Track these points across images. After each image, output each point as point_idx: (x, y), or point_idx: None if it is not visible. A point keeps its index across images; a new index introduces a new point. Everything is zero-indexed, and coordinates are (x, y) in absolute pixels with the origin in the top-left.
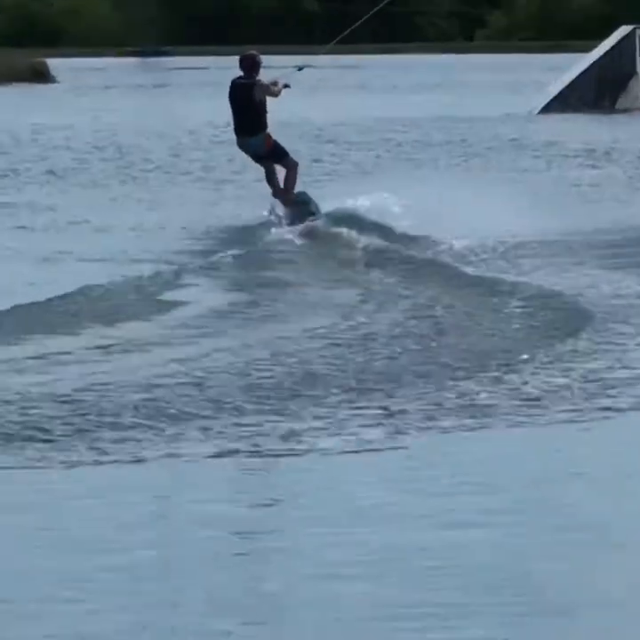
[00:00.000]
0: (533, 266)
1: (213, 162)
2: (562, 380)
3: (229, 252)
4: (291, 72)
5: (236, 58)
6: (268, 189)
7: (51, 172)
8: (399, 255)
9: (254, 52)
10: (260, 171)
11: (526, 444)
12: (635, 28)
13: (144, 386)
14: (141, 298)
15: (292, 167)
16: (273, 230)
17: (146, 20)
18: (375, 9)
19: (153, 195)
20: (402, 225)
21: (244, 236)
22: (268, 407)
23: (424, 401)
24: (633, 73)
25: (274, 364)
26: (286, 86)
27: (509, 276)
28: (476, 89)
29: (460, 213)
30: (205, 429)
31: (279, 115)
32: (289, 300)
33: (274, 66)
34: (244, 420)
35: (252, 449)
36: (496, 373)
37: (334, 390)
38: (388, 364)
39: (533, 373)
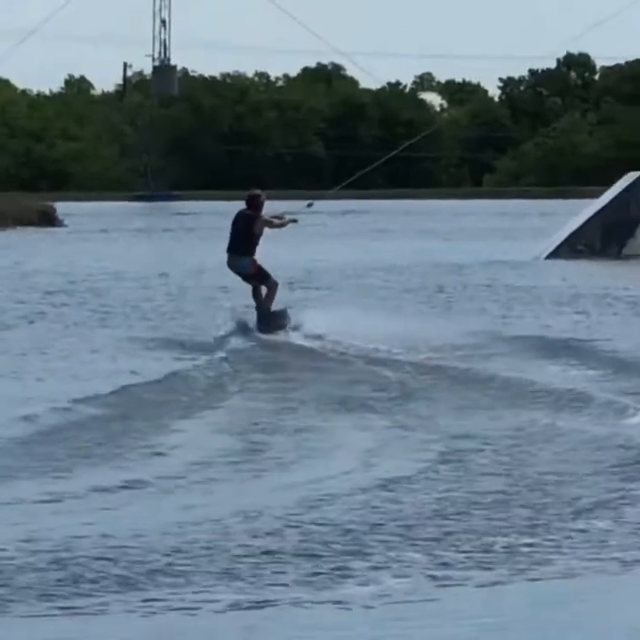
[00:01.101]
0: None
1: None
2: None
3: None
4: (302, 208)
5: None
6: None
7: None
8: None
9: (259, 191)
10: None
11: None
12: None
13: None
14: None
15: (272, 286)
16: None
17: (154, 166)
18: (388, 156)
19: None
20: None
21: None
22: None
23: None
24: None
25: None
26: (293, 221)
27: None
28: (485, 234)
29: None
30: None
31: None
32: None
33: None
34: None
35: None
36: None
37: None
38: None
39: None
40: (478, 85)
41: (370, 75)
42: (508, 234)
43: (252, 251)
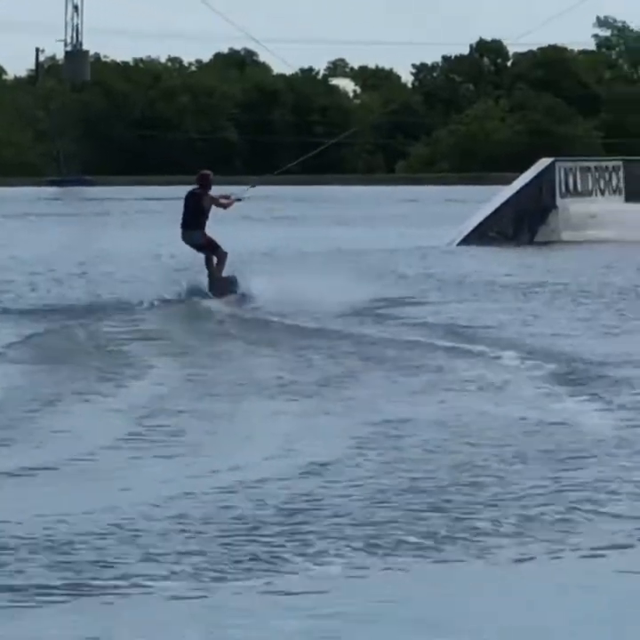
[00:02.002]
0: None
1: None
2: None
3: None
4: (245, 189)
5: (153, 187)
6: None
7: None
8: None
9: (208, 171)
10: None
11: None
12: (554, 161)
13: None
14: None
15: (222, 256)
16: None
17: (67, 151)
18: (328, 143)
19: None
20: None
21: None
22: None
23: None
24: (552, 206)
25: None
26: (239, 200)
27: None
28: (394, 221)
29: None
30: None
31: None
32: None
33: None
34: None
35: None
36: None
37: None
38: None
39: None
40: (391, 71)
41: (282, 61)
42: (421, 220)
43: (202, 224)
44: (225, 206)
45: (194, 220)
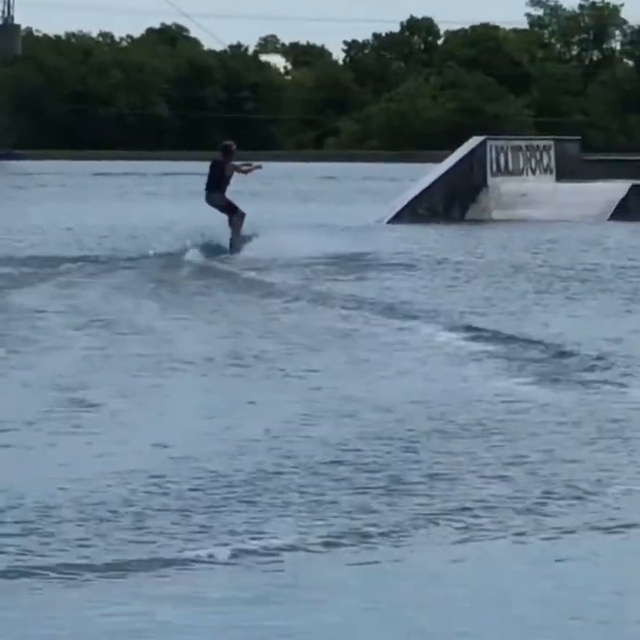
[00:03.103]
0: None
1: None
2: None
3: None
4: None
5: (84, 162)
6: None
7: None
8: None
9: (230, 142)
10: None
11: None
12: (486, 139)
13: None
14: None
15: (240, 216)
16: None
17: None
18: None
19: None
20: None
21: None
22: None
23: None
24: (483, 184)
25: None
26: (259, 167)
27: None
28: (327, 197)
29: None
30: None
31: None
32: None
33: (114, 173)
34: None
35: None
36: None
37: None
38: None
39: None
40: (323, 48)
41: (213, 36)
42: (351, 197)
43: (223, 188)
44: (245, 172)
45: (216, 185)
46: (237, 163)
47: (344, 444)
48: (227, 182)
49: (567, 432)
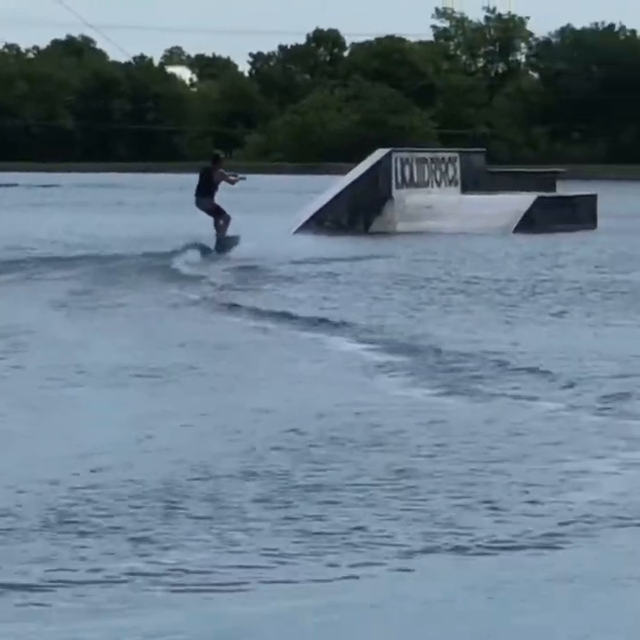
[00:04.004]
0: None
1: None
2: None
3: None
4: (242, 176)
5: None
6: None
7: None
8: None
9: (219, 151)
10: None
11: None
12: (391, 151)
13: None
14: None
15: (227, 219)
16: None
17: None
18: None
19: None
20: None
21: None
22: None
23: None
24: (388, 196)
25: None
26: (243, 178)
27: None
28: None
29: None
30: None
31: None
32: None
33: (20, 183)
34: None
35: None
36: None
37: None
38: None
39: None
40: (228, 60)
41: (119, 48)
42: (257, 208)
43: (212, 193)
44: (232, 182)
45: (205, 190)
46: (225, 172)
47: (246, 454)
48: (215, 188)
49: (471, 442)
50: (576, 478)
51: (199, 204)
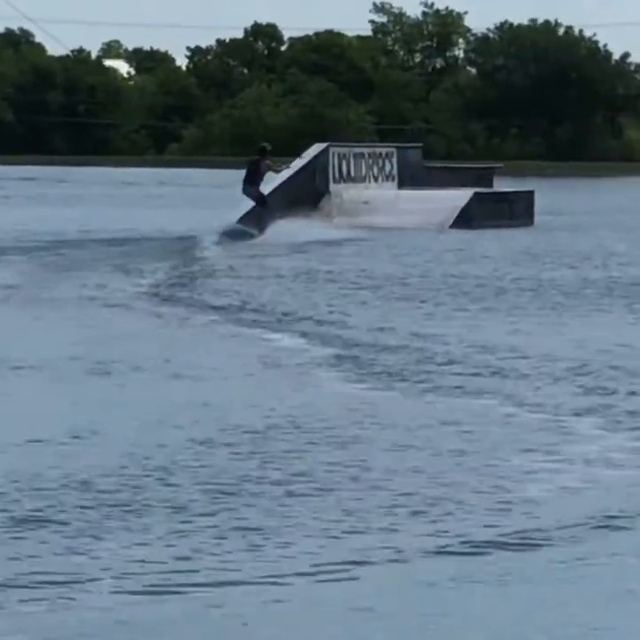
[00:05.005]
0: None
1: None
2: None
3: None
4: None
5: None
6: None
7: None
8: None
9: (265, 144)
10: None
11: None
12: (328, 146)
13: None
14: None
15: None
16: None
17: None
18: None
19: None
20: None
21: None
22: None
23: None
24: (325, 191)
25: None
26: (287, 167)
27: None
28: (169, 203)
29: None
30: None
31: None
32: None
33: None
34: None
35: None
36: None
37: None
38: None
39: None
40: (166, 54)
41: (58, 41)
42: (197, 202)
43: (257, 183)
44: (277, 171)
45: (252, 180)
46: (270, 163)
47: (179, 449)
48: (261, 178)
49: (411, 438)
50: (515, 475)
51: (246, 192)
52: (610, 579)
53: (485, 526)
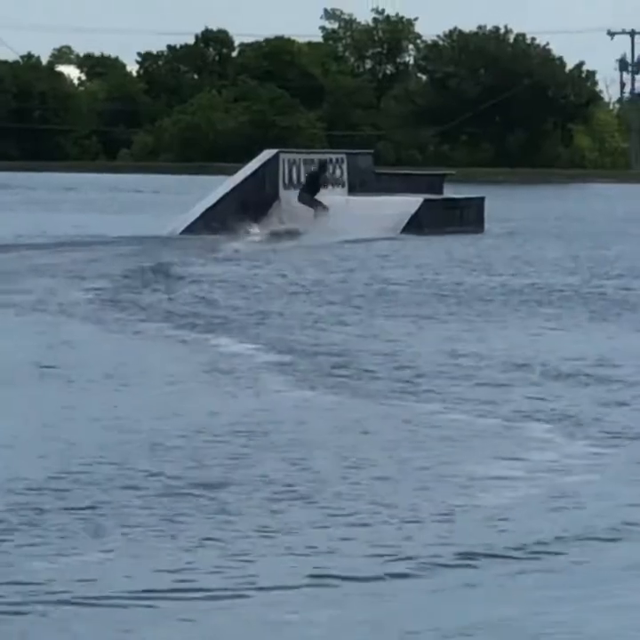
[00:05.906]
0: None
1: None
2: None
3: None
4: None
5: None
6: None
7: None
8: None
9: (325, 159)
10: None
11: None
12: (278, 153)
13: None
14: None
15: (323, 208)
16: None
17: None
18: None
19: None
20: None
21: None
22: None
23: None
24: (275, 197)
25: None
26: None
27: None
28: (117, 208)
29: None
30: None
31: None
32: None
33: None
34: None
35: None
36: None
37: None
38: None
39: None
40: (117, 60)
41: (8, 47)
42: (143, 208)
43: (314, 192)
44: (325, 186)
45: (309, 189)
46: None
47: (122, 459)
48: (318, 188)
49: (358, 443)
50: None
51: (301, 198)
52: (581, 589)
53: (444, 539)
